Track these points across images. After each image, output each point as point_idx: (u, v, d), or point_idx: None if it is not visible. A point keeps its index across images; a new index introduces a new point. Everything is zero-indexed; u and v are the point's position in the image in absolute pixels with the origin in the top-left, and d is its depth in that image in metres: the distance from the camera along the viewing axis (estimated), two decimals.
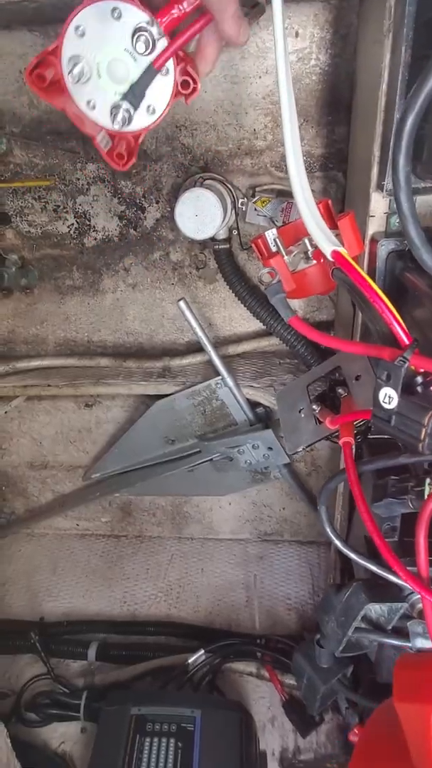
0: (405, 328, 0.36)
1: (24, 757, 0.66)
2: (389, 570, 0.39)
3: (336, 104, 0.77)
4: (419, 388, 0.34)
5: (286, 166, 0.88)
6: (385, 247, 0.52)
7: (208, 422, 0.90)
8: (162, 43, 0.38)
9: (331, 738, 0.69)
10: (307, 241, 0.54)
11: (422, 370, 0.34)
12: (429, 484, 0.35)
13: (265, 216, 0.82)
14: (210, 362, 0.85)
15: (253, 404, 0.87)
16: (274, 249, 0.53)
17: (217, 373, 0.85)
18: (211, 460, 0.89)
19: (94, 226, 0.87)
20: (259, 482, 0.94)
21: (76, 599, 0.93)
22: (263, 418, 0.87)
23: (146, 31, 0.37)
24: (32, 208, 0.88)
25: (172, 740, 0.62)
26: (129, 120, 0.40)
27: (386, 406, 0.33)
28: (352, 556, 0.40)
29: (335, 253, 0.39)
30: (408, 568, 0.35)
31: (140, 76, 0.39)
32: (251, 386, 0.85)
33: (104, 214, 0.86)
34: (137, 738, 0.63)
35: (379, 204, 0.54)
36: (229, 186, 0.81)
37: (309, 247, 0.55)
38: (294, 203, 0.82)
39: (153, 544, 1.02)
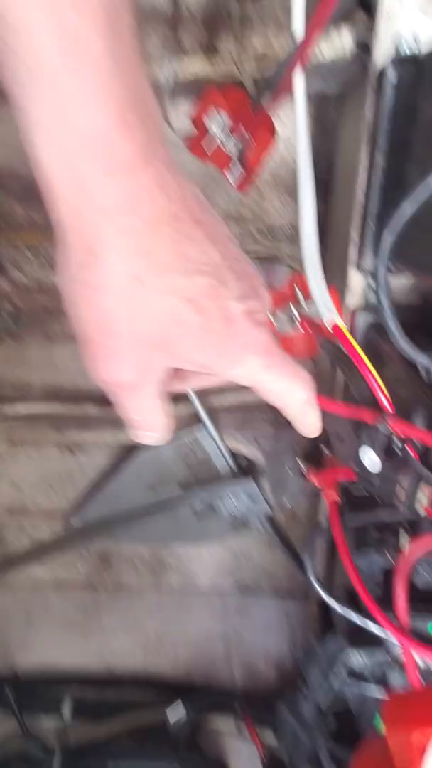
0: (388, 396, 0.40)
1: None
2: (370, 619, 0.42)
3: (315, 183, 0.86)
4: (399, 452, 0.38)
5: (270, 234, 0.95)
6: (363, 319, 0.58)
7: (192, 471, 0.92)
8: None
9: None
10: (292, 306, 0.60)
11: (402, 435, 0.38)
12: (402, 535, 0.39)
13: None
14: (194, 413, 0.89)
15: (236, 455, 0.90)
16: None
17: (200, 423, 0.88)
18: (194, 508, 0.91)
19: None
20: (240, 532, 0.96)
21: (51, 651, 0.91)
22: (246, 469, 0.90)
23: None
24: (27, 259, 0.92)
25: None
26: None
27: (372, 471, 0.37)
28: (336, 607, 0.43)
29: (335, 327, 0.43)
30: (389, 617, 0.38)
31: None
32: (234, 437, 0.89)
33: None
34: None
35: (355, 279, 0.60)
36: None
37: (296, 314, 0.60)
38: (281, 269, 0.89)
39: (132, 596, 1.01)
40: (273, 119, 0.66)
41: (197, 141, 0.67)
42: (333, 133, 0.81)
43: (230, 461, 0.89)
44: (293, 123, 0.74)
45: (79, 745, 0.75)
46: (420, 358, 0.36)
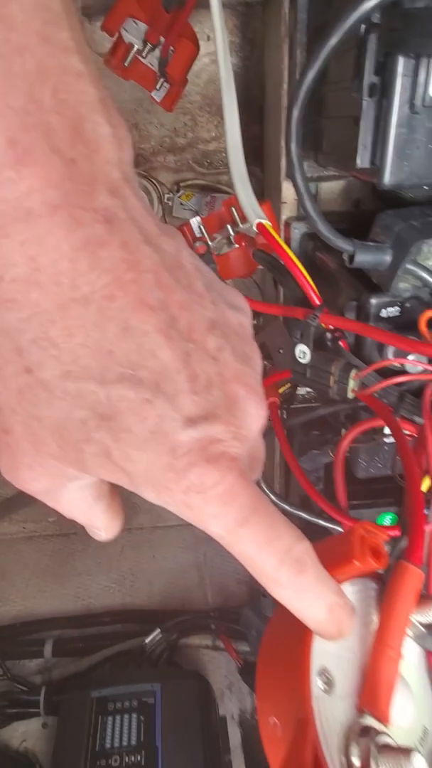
0: (317, 291, 0.40)
1: None
2: (311, 513, 0.43)
3: (249, 104, 0.83)
4: (329, 343, 0.39)
5: (206, 162, 0.92)
6: (298, 230, 0.57)
7: None
8: None
9: None
10: (229, 227, 0.59)
11: (331, 327, 0.39)
12: (345, 434, 0.40)
13: (190, 209, 0.85)
14: None
15: None
16: (198, 235, 0.57)
17: None
18: None
19: None
20: None
21: (28, 601, 0.92)
22: None
23: None
24: None
25: (134, 715, 0.64)
26: None
27: (301, 360, 0.38)
28: (283, 505, 0.44)
29: (260, 226, 0.42)
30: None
31: None
32: None
33: None
34: (99, 719, 0.64)
35: (289, 191, 0.59)
36: (154, 182, 0.84)
37: (231, 233, 0.59)
38: (218, 197, 0.87)
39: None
40: (193, 28, 0.63)
41: (116, 57, 0.63)
42: (262, 49, 0.77)
43: None
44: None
45: (62, 679, 0.78)
46: (339, 242, 0.36)
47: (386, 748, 0.20)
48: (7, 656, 0.81)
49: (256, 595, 0.58)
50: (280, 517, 0.19)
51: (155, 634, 0.78)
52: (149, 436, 0.17)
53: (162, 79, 0.64)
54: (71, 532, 1.05)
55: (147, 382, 0.17)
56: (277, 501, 0.41)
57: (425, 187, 0.35)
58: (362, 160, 0.34)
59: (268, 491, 0.48)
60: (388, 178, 0.33)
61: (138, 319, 0.16)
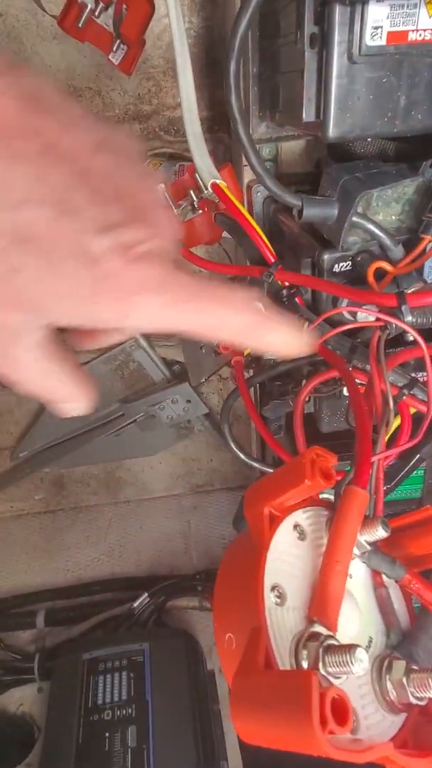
0: (271, 249, 0.41)
1: None
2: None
3: (213, 67, 0.82)
4: (285, 300, 0.40)
5: (173, 129, 0.91)
6: (260, 193, 0.57)
7: (128, 385, 0.93)
8: None
9: None
10: (192, 193, 0.59)
11: (287, 284, 0.40)
12: (304, 384, 0.42)
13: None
14: None
15: (169, 362, 0.91)
16: None
17: (131, 336, 0.88)
18: (135, 420, 0.93)
19: None
20: (184, 437, 1.00)
21: (19, 576, 0.94)
22: (179, 374, 0.92)
23: None
24: None
25: (124, 673, 0.67)
26: None
27: None
28: (245, 459, 0.46)
29: (213, 185, 0.43)
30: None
31: None
32: (164, 345, 0.89)
33: None
34: (91, 679, 0.67)
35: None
36: None
37: (195, 199, 0.59)
38: (186, 165, 0.86)
39: (90, 512, 1.05)
40: None
41: (69, 18, 0.62)
42: (225, 8, 0.76)
43: (164, 369, 0.91)
44: None
45: (55, 646, 0.80)
46: (286, 197, 0.36)
47: (332, 647, 0.22)
48: (0, 628, 0.83)
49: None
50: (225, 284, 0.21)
51: (143, 598, 0.81)
52: (68, 252, 0.18)
53: (118, 40, 0.63)
54: (58, 508, 1.07)
55: (49, 202, 0.17)
56: (252, 462, 0.42)
57: (368, 139, 0.36)
58: (307, 113, 0.35)
59: (240, 452, 0.50)
60: (331, 130, 0.34)
61: (26, 145, 0.17)
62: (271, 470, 0.49)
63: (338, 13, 0.31)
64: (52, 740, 0.65)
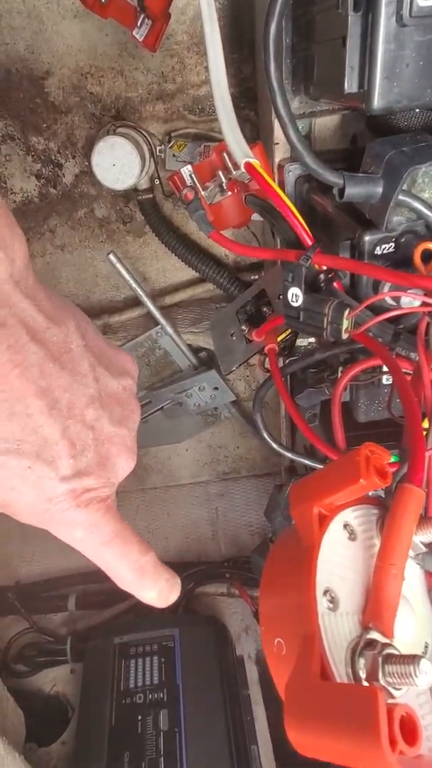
0: (309, 232, 0.39)
1: (22, 702, 0.69)
2: (315, 460, 0.44)
3: (239, 42, 0.79)
4: (323, 285, 0.38)
5: (198, 108, 0.89)
6: (292, 173, 0.55)
7: (154, 372, 0.92)
8: None
9: None
10: (221, 173, 0.57)
11: (324, 268, 0.38)
12: (341, 371, 0.40)
13: (184, 161, 0.83)
14: (149, 314, 0.87)
15: (195, 349, 0.90)
16: (189, 184, 0.55)
17: (157, 324, 0.87)
18: (162, 408, 0.92)
19: (11, 188, 0.85)
20: (211, 424, 0.99)
21: (51, 559, 0.96)
22: (206, 361, 0.90)
23: None
24: None
25: (155, 658, 0.68)
26: None
27: (294, 304, 0.37)
28: (278, 448, 0.45)
29: (247, 164, 0.41)
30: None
31: None
32: (191, 332, 0.88)
33: (20, 174, 0.84)
34: (122, 662, 0.68)
35: (281, 132, 0.57)
36: (144, 133, 0.81)
37: (223, 179, 0.57)
38: (212, 146, 0.84)
39: (118, 498, 1.04)
40: None
41: None
42: None
43: (190, 356, 0.90)
44: None
45: (87, 629, 0.82)
46: (327, 175, 0.34)
47: (392, 657, 0.21)
48: (33, 611, 0.85)
49: (265, 541, 0.60)
50: (133, 538, 0.27)
51: None
52: (31, 492, 0.23)
53: (142, 15, 0.61)
54: None
55: (28, 453, 0.22)
56: (286, 452, 0.41)
57: (416, 110, 0.33)
58: (350, 83, 0.32)
59: (272, 442, 0.49)
60: (377, 101, 0.31)
61: (22, 405, 0.21)
62: (304, 460, 0.48)
63: None
64: (86, 722, 0.66)
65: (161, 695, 0.63)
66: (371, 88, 0.31)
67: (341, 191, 0.34)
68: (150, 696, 0.64)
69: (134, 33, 0.63)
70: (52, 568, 0.94)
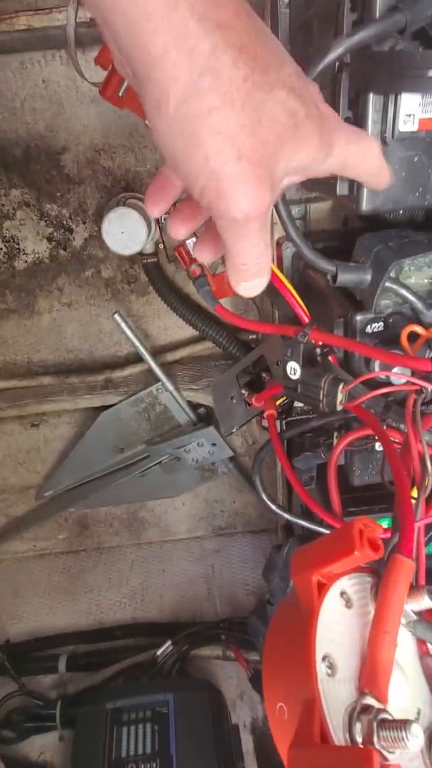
0: (305, 309, 0.43)
1: None
2: (311, 521, 0.46)
3: None
4: (319, 358, 0.42)
5: None
6: (289, 250, 0.60)
7: (154, 427, 0.95)
8: None
9: None
10: None
11: (321, 343, 0.42)
12: (336, 437, 0.42)
13: None
14: (150, 370, 0.90)
15: (194, 405, 0.93)
16: (194, 256, 0.60)
17: (158, 380, 0.90)
18: (160, 462, 0.94)
19: (23, 250, 0.91)
20: (208, 479, 1.00)
21: (41, 618, 0.94)
22: (205, 417, 0.93)
23: None
24: None
25: (148, 725, 0.66)
26: None
27: (292, 377, 0.40)
28: (276, 510, 0.46)
29: None
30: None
31: None
32: (191, 389, 0.91)
33: (33, 237, 0.90)
34: (114, 729, 0.66)
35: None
36: None
37: None
38: None
39: (113, 553, 1.04)
40: None
41: (110, 88, 0.66)
42: None
43: (189, 412, 0.92)
44: None
45: (77, 693, 0.79)
46: (322, 264, 0.38)
47: (386, 722, 0.22)
48: (22, 672, 0.82)
49: (262, 603, 0.60)
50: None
51: (166, 646, 0.80)
52: (309, 97, 0.26)
53: None
54: (81, 549, 1.07)
55: (289, 61, 0.25)
56: (284, 514, 0.43)
57: (401, 211, 0.38)
58: (341, 188, 0.37)
59: (271, 503, 0.51)
60: (365, 204, 0.36)
61: (282, 94, 0.24)
62: (301, 521, 0.49)
63: (372, 101, 0.34)
64: None
65: (154, 766, 0.61)
66: (360, 194, 0.36)
67: (334, 277, 0.38)
68: (143, 766, 0.62)
69: (147, 122, 0.70)
70: (43, 626, 0.92)
